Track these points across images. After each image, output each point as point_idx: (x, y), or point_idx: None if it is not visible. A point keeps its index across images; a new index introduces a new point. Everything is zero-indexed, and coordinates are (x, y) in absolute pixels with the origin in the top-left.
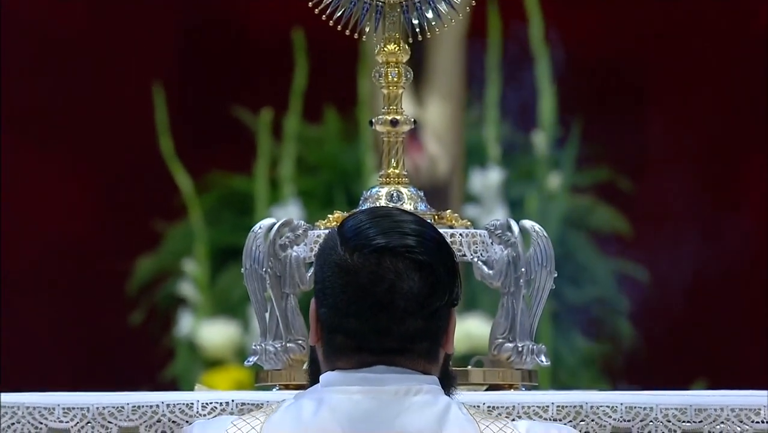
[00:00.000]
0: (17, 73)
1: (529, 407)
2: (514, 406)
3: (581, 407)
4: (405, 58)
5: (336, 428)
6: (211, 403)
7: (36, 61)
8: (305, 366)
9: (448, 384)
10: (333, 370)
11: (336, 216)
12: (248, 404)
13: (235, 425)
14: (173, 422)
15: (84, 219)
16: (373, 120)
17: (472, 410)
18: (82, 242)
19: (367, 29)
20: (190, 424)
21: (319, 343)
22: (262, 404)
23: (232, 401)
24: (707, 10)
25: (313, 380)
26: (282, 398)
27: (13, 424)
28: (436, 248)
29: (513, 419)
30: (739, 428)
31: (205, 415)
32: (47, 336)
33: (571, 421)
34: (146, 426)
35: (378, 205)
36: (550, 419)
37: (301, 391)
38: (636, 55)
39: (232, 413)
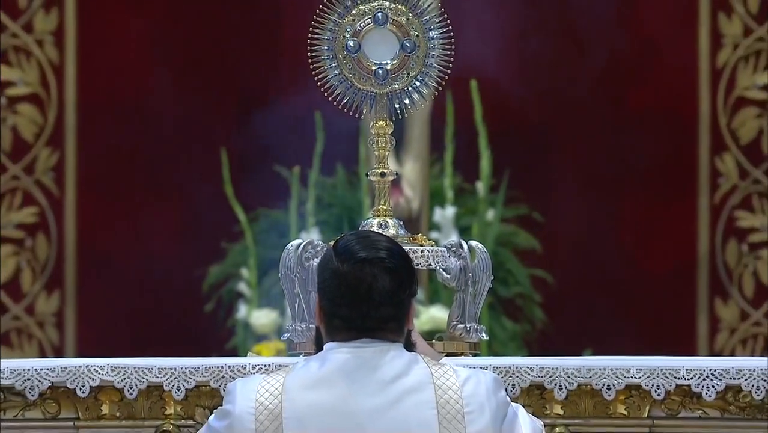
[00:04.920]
0: (134, 144)
1: (474, 367)
2: (465, 366)
3: (509, 367)
4: (390, 130)
5: (334, 377)
6: (258, 365)
7: (149, 140)
8: (313, 339)
9: (409, 349)
10: (332, 342)
11: None
12: (284, 366)
13: (265, 380)
14: (233, 378)
15: (174, 241)
16: (369, 173)
17: (426, 358)
18: (173, 256)
19: (364, 111)
20: (233, 381)
21: (322, 324)
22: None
23: (273, 363)
24: (589, 97)
25: (318, 348)
26: (296, 361)
27: (123, 379)
28: (401, 258)
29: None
30: (615, 382)
31: (255, 373)
32: (150, 319)
33: (503, 377)
34: (214, 380)
35: (371, 230)
36: None
37: (309, 356)
38: (543, 127)
39: (271, 372)
